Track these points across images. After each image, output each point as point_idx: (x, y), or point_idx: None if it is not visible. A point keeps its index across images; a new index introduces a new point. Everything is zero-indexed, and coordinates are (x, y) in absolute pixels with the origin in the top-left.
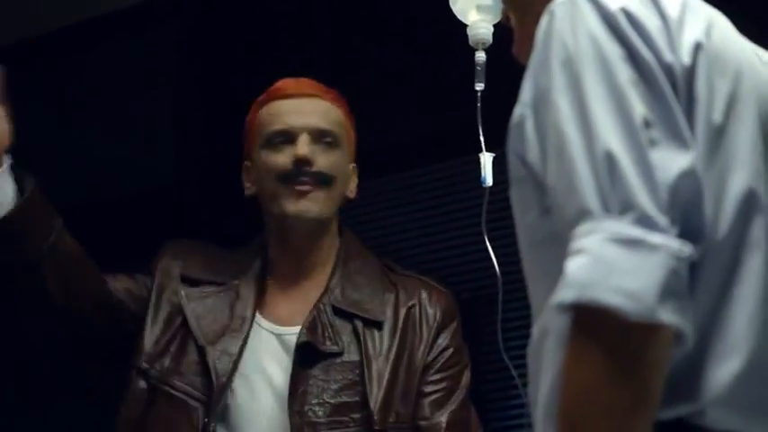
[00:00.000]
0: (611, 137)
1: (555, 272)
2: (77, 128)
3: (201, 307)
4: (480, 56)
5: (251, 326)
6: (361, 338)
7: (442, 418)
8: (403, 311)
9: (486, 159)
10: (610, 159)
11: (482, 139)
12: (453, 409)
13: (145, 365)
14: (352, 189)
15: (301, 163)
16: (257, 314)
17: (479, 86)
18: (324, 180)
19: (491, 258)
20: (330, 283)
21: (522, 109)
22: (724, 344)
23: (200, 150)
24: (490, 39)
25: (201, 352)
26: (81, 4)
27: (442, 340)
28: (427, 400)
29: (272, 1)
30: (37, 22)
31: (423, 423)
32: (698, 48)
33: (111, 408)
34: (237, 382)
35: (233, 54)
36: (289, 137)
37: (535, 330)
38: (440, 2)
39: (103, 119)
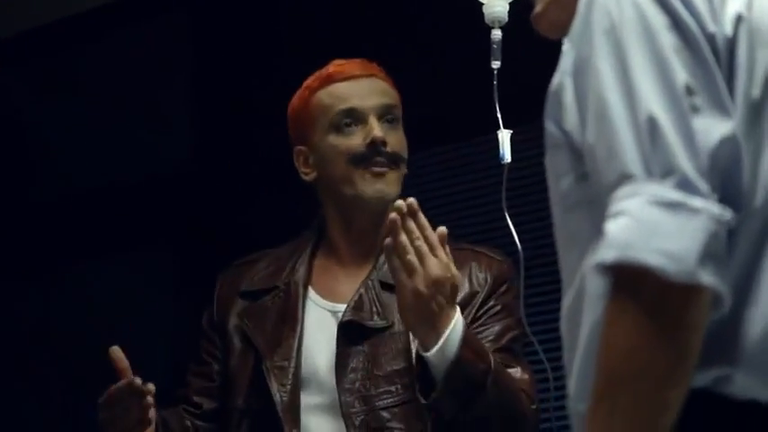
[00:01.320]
0: (653, 102)
1: (588, 238)
2: (95, 113)
3: (261, 322)
4: (496, 34)
5: (302, 318)
6: None
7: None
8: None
9: (504, 136)
10: (652, 124)
11: (499, 116)
12: (501, 347)
13: (242, 405)
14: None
15: (377, 144)
16: (314, 294)
17: (496, 64)
18: (397, 160)
19: (511, 234)
20: (378, 260)
21: (562, 77)
22: (755, 309)
23: (216, 134)
24: (506, 17)
25: (265, 370)
26: None
27: (491, 299)
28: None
29: None
30: (55, 8)
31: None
32: (739, 20)
33: None
34: (304, 377)
35: (248, 39)
36: (358, 118)
37: (568, 296)
38: None
39: (121, 104)
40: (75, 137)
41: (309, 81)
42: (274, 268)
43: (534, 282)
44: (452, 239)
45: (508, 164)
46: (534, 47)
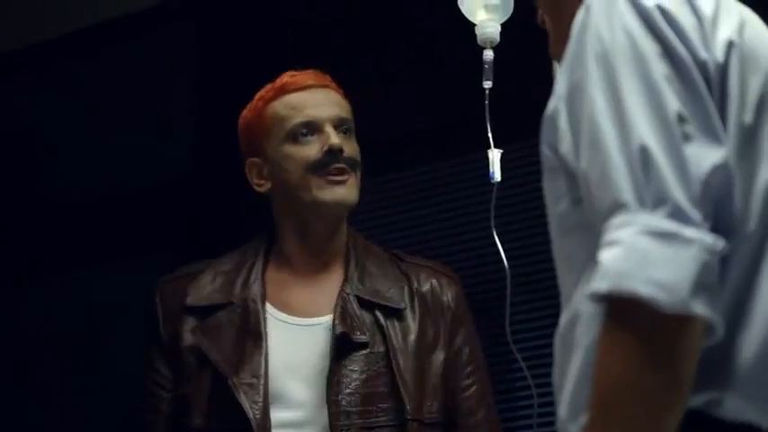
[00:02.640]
0: (645, 131)
1: (583, 261)
2: (99, 120)
3: (218, 338)
4: (488, 54)
5: (266, 333)
6: (385, 329)
7: (480, 414)
8: (417, 300)
9: (495, 155)
10: (644, 153)
11: (490, 135)
12: (488, 402)
13: (201, 424)
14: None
15: (334, 152)
16: (272, 309)
17: (487, 84)
18: (354, 165)
19: (498, 253)
20: (348, 273)
21: (557, 101)
22: (747, 333)
23: (218, 141)
24: (498, 38)
25: (230, 388)
26: (102, 5)
27: (457, 335)
28: (463, 405)
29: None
30: (62, 22)
31: (465, 422)
32: (731, 46)
33: None
34: (272, 393)
35: (249, 48)
36: (314, 128)
37: (564, 316)
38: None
39: (124, 113)
40: (79, 143)
41: (262, 92)
42: (222, 282)
43: (520, 299)
44: (404, 254)
45: (497, 183)
46: (525, 67)
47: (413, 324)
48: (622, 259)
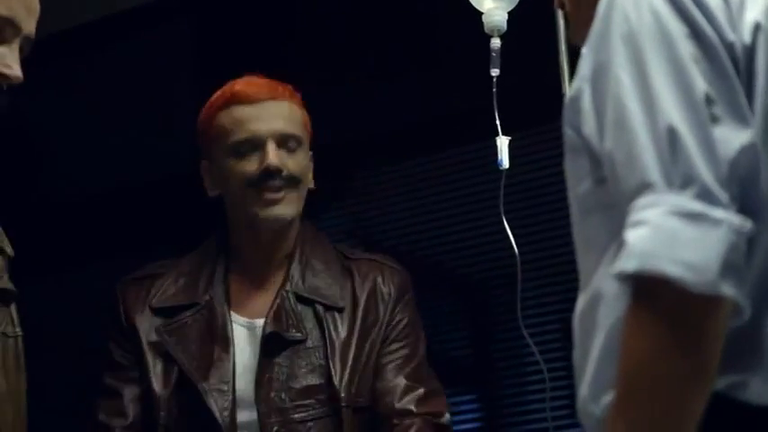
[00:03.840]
0: (673, 112)
1: (604, 242)
2: (99, 118)
3: (183, 339)
4: (495, 42)
5: (233, 338)
6: (324, 324)
7: (398, 380)
8: (360, 294)
9: (503, 142)
10: (672, 134)
11: (498, 123)
12: (409, 373)
13: (163, 419)
14: (311, 180)
15: (270, 171)
16: (233, 312)
17: (495, 72)
18: (294, 182)
19: (508, 239)
20: (290, 271)
21: (580, 82)
22: None
23: None
24: (505, 26)
25: (197, 391)
26: (102, 2)
27: (396, 313)
28: (386, 368)
29: None
30: (63, 18)
31: (379, 386)
32: (758, 28)
33: None
34: (237, 397)
35: (249, 46)
36: (255, 145)
37: (584, 297)
38: None
39: (125, 110)
40: (79, 141)
41: (214, 98)
42: (185, 283)
43: (530, 285)
44: (350, 249)
45: (506, 169)
46: (531, 55)
47: (353, 317)
48: (650, 239)
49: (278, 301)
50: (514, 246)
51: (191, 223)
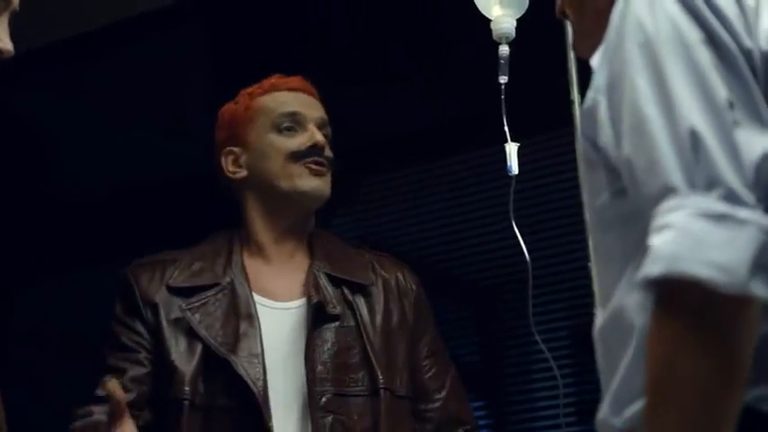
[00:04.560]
0: (695, 116)
1: (622, 256)
2: (113, 123)
3: (207, 317)
4: (504, 49)
5: (257, 316)
6: (354, 305)
7: (442, 394)
8: (381, 281)
9: (512, 149)
10: (695, 138)
11: (507, 129)
12: (448, 386)
13: (188, 395)
14: None
15: (318, 147)
16: (255, 295)
17: (503, 79)
18: (331, 165)
19: (519, 245)
20: (315, 255)
21: (595, 93)
22: None
23: None
24: (513, 33)
25: (226, 364)
26: (116, 5)
27: (422, 320)
28: (426, 378)
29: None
30: (80, 21)
31: (426, 406)
32: None
33: None
34: (269, 375)
35: (261, 48)
36: (299, 123)
37: (605, 312)
38: None
39: (138, 113)
40: (88, 141)
41: (250, 89)
42: (201, 267)
43: (541, 291)
44: (366, 247)
45: (515, 176)
46: (540, 62)
47: (379, 302)
48: (676, 242)
49: (312, 277)
50: (525, 252)
51: (197, 224)
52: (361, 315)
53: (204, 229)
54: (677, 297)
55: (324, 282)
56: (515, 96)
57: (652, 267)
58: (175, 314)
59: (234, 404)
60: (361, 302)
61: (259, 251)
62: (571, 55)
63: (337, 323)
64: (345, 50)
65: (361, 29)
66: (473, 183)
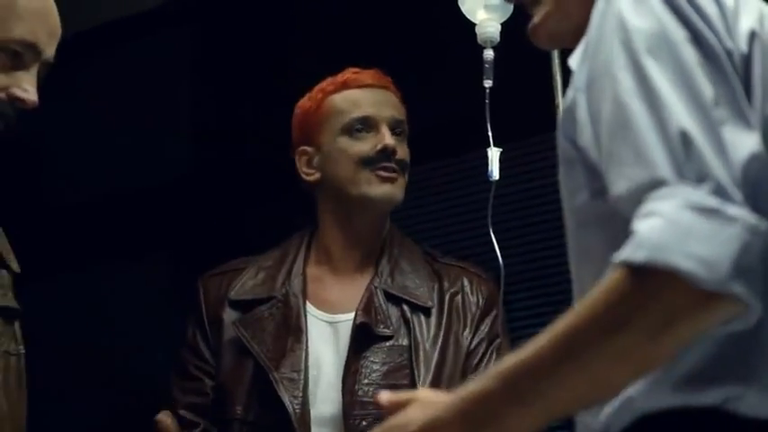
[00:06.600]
0: (682, 114)
1: (602, 254)
2: (101, 124)
3: (260, 332)
4: (489, 53)
5: (306, 329)
6: (411, 323)
7: None
8: (447, 299)
9: (494, 154)
10: (684, 135)
11: (490, 134)
12: None
13: (241, 414)
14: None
15: (387, 151)
16: (311, 306)
17: (488, 83)
18: (404, 168)
19: (494, 250)
20: (379, 268)
21: (575, 93)
22: None
23: (216, 144)
24: (498, 37)
25: (271, 380)
26: (103, 7)
27: (485, 326)
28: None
29: (285, 1)
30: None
31: None
32: (753, 36)
33: None
34: (311, 389)
35: (247, 52)
36: (370, 125)
37: None
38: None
39: (125, 114)
40: (77, 146)
41: (323, 85)
42: (265, 277)
43: (517, 297)
44: (438, 253)
45: (496, 181)
46: (524, 66)
47: (439, 321)
48: (662, 231)
49: (367, 295)
50: (499, 257)
51: (190, 226)
52: (415, 335)
53: (197, 229)
54: (657, 286)
55: (380, 299)
56: (499, 101)
57: (636, 252)
58: (231, 330)
59: (275, 422)
60: (419, 321)
61: (327, 257)
62: (556, 60)
63: (389, 342)
64: (329, 55)
65: (345, 32)
66: (455, 187)
